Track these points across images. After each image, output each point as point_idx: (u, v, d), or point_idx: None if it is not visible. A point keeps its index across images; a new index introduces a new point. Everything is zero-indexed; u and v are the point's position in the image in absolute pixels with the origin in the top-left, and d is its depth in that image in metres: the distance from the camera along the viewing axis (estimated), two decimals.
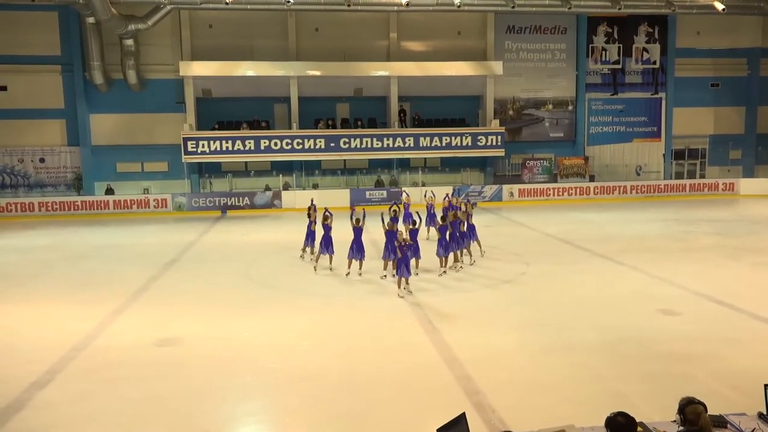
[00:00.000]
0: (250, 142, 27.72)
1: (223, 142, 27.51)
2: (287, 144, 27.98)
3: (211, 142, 27.39)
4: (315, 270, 14.18)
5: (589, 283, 13.00)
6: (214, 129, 28.38)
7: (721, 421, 4.91)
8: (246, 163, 29.31)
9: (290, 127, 28.61)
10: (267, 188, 28.48)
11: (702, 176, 33.07)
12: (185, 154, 27.26)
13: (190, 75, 27.56)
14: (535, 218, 23.46)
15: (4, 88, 28.26)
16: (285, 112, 29.58)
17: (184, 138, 27.12)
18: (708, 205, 27.06)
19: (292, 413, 7.25)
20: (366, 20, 29.77)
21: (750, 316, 10.34)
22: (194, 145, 27.22)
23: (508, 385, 7.80)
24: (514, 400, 7.33)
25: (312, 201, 16.41)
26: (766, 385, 5.16)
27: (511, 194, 29.19)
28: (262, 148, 27.83)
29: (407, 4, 26.32)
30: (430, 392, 7.64)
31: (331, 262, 14.31)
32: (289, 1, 25.62)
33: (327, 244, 14.14)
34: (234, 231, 21.86)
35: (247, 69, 28.14)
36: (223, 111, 29.19)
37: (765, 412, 5.06)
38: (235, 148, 27.61)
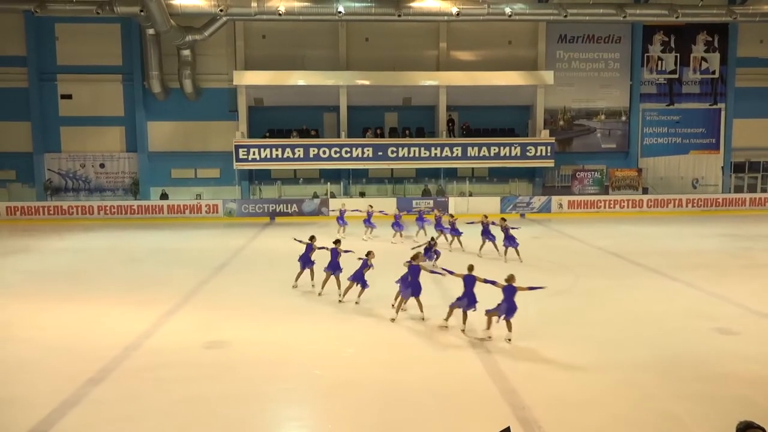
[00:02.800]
0: (299, 150, 28.18)
1: (273, 149, 28.05)
2: (336, 152, 28.30)
3: (262, 150, 27.97)
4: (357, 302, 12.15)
5: (641, 298, 12.61)
6: (265, 137, 28.99)
7: None
8: (295, 170, 29.80)
9: (339, 136, 28.94)
10: (315, 196, 28.85)
11: (763, 190, 31.69)
12: (237, 161, 27.92)
13: (243, 84, 28.27)
14: (584, 231, 22.95)
15: (69, 97, 29.67)
16: (334, 120, 29.98)
17: (236, 145, 27.80)
18: None
19: (335, 420, 7.28)
20: (416, 30, 29.90)
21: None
22: (245, 153, 27.85)
23: (555, 401, 7.62)
24: (561, 416, 7.16)
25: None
26: None
27: (560, 206, 28.67)
28: (311, 156, 28.24)
29: (458, 14, 26.34)
30: (474, 405, 7.54)
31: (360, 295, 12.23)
32: (340, 12, 26.02)
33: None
34: (282, 237, 22.17)
35: (298, 78, 28.67)
36: (274, 119, 29.82)
37: None
38: (285, 156, 28.11)
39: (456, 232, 18.64)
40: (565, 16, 26.61)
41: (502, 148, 28.76)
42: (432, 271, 11.29)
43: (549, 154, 28.81)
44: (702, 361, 8.83)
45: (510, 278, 9.87)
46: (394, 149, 28.56)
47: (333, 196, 28.84)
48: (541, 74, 29.45)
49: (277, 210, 27.83)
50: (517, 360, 9.05)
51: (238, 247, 20.09)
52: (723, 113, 31.56)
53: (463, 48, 30.44)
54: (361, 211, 21.93)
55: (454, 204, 27.95)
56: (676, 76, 31.34)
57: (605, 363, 8.84)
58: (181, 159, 29.99)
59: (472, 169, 30.25)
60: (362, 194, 29.64)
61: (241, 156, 27.86)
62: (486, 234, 17.47)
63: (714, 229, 23.27)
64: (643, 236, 21.84)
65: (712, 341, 9.82)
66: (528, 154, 28.80)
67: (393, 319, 10.99)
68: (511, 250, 16.55)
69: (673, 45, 31.14)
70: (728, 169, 31.69)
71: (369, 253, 12.07)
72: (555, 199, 28.82)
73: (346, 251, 12.86)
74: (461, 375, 8.52)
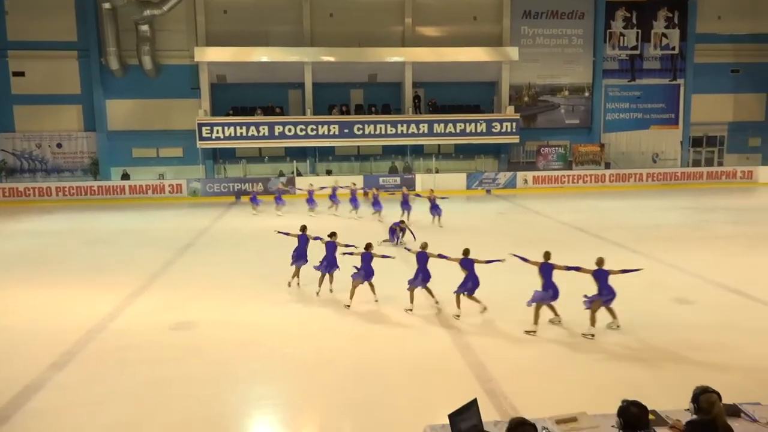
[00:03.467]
0: (264, 128, 27.79)
1: (238, 128, 27.60)
2: (301, 130, 28.00)
3: (226, 128, 27.49)
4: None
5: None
6: (228, 115, 28.46)
7: (735, 410, 4.89)
8: (260, 149, 29.41)
9: (304, 113, 28.61)
10: (281, 174, 28.57)
11: (720, 164, 32.64)
12: (200, 140, 27.40)
13: (205, 61, 27.63)
14: (549, 206, 23.32)
15: (22, 74, 28.54)
16: (299, 98, 29.59)
17: (198, 124, 27.24)
18: (726, 194, 26.72)
19: (306, 397, 7.32)
20: (381, 5, 29.59)
21: (767, 305, 10.23)
22: (209, 131, 27.34)
23: (520, 372, 7.81)
24: (526, 387, 7.34)
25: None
26: None
27: (526, 181, 29.02)
28: (276, 134, 27.88)
29: None
30: (442, 378, 7.67)
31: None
32: None
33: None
34: (248, 217, 21.98)
35: (262, 55, 28.14)
36: (238, 97, 29.27)
37: None
38: (250, 134, 27.70)
39: (378, 206, 19.81)
40: None
41: (467, 124, 28.87)
42: (488, 261, 9.88)
43: (514, 130, 29.04)
44: (662, 329, 9.13)
45: (600, 261, 9.23)
46: (360, 126, 28.40)
47: (299, 174, 28.61)
48: (506, 50, 29.53)
49: (243, 189, 27.48)
50: (484, 335, 9.21)
51: (204, 227, 19.83)
52: (682, 89, 32.21)
53: (429, 24, 30.26)
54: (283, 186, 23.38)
55: (421, 181, 28.02)
56: (638, 52, 31.79)
57: (569, 334, 9.08)
58: (142, 138, 29.26)
59: (439, 145, 30.31)
60: (329, 172, 29.47)
61: (204, 134, 27.34)
62: (404, 205, 19.00)
63: (673, 202, 23.92)
64: (606, 210, 22.33)
65: (671, 311, 10.15)
66: (493, 130, 28.98)
67: (410, 310, 10.24)
68: (436, 218, 18.69)
69: (634, 21, 31.53)
70: (687, 143, 32.47)
71: (369, 246, 10.77)
72: (520, 174, 29.14)
73: (348, 246, 11.15)
74: (429, 350, 8.64)
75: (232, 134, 27.56)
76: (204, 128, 27.28)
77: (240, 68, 28.41)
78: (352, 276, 10.58)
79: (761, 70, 32.48)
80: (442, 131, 28.78)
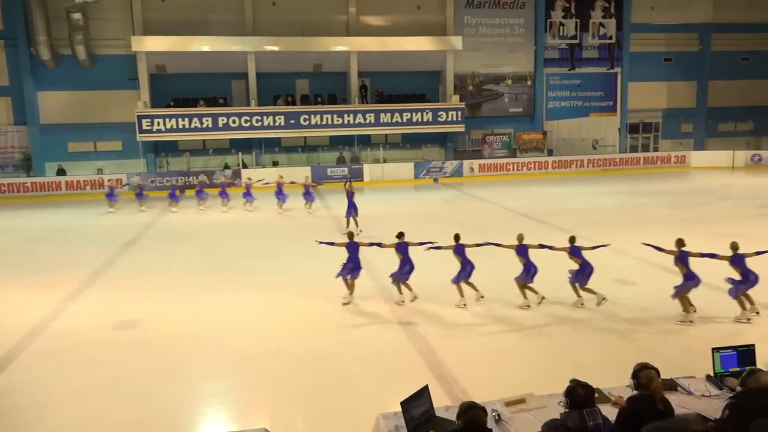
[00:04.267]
0: (207, 120, 27.15)
1: (179, 119, 26.87)
2: (246, 121, 27.51)
3: (167, 120, 26.72)
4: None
5: (549, 255, 13.24)
6: (169, 106, 27.64)
7: (672, 384, 5.15)
8: (204, 141, 28.73)
9: (249, 104, 28.11)
10: (226, 166, 28.02)
11: (655, 149, 33.98)
12: (140, 133, 26.53)
13: (143, 50, 26.70)
14: (495, 193, 23.77)
15: None
16: (243, 88, 29.01)
17: (138, 116, 26.37)
18: (661, 178, 27.87)
19: (256, 391, 7.26)
20: None
21: (700, 284, 10.72)
22: (149, 123, 26.51)
23: (470, 357, 7.96)
24: (476, 371, 7.50)
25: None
26: (713, 349, 5.43)
27: (472, 169, 29.44)
28: (220, 125, 27.30)
29: None
30: (393, 366, 7.74)
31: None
32: None
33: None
34: (192, 211, 21.47)
35: (203, 44, 27.41)
36: (179, 88, 28.45)
37: (713, 374, 5.32)
38: (192, 126, 27.02)
39: (249, 196, 20.39)
40: None
41: (414, 113, 29.02)
42: (594, 248, 9.59)
43: (459, 119, 29.38)
44: (604, 310, 9.47)
45: (734, 246, 8.78)
46: (307, 117, 28.14)
47: (245, 166, 28.13)
48: (450, 39, 29.76)
49: (187, 183, 26.72)
50: (433, 320, 9.34)
51: (147, 222, 19.28)
52: (619, 77, 33.30)
53: (373, 13, 30.15)
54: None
55: (369, 171, 28.04)
56: (577, 41, 32.63)
57: (515, 318, 9.32)
58: (78, 131, 28.06)
59: (386, 135, 30.36)
60: (275, 164, 29.09)
61: (144, 127, 26.49)
62: (279, 194, 19.78)
63: (612, 187, 24.79)
64: (549, 196, 22.93)
65: (613, 291, 10.49)
66: (439, 119, 29.24)
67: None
68: (315, 205, 19.95)
69: (573, 11, 32.31)
70: (624, 130, 33.64)
71: (458, 236, 9.96)
72: (466, 163, 29.55)
73: (433, 246, 9.83)
74: (379, 338, 8.72)
75: (174, 126, 26.81)
76: (144, 120, 26.44)
77: (180, 58, 27.60)
78: (453, 279, 9.82)
79: (691, 58, 33.92)
80: (389, 121, 28.83)
